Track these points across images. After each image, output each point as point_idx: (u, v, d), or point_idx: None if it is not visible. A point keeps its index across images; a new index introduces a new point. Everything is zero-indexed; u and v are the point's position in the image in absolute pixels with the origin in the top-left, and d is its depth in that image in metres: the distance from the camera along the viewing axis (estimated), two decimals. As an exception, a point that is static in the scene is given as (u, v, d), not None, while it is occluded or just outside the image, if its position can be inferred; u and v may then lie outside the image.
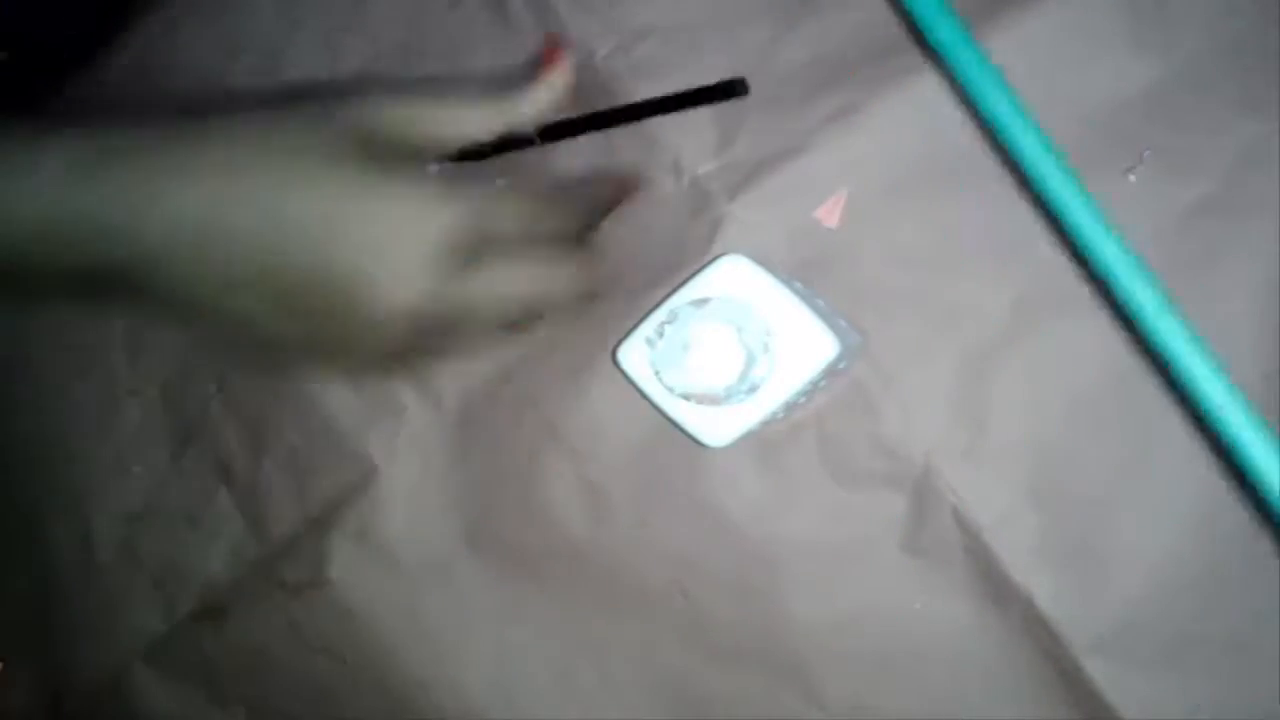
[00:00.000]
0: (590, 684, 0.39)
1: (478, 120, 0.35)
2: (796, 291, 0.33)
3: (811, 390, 0.34)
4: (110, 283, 0.30)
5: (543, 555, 0.39)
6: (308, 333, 0.32)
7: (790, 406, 0.34)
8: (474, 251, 0.31)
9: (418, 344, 0.33)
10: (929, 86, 0.34)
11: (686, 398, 0.33)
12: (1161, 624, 0.33)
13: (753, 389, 0.32)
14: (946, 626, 0.35)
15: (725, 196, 0.36)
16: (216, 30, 0.44)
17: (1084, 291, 0.33)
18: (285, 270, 0.30)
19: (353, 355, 0.33)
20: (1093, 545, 0.33)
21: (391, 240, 0.30)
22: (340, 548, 0.41)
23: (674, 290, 0.34)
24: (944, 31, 0.27)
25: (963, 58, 0.27)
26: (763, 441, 0.36)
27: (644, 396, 0.34)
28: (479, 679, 0.40)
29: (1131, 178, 0.33)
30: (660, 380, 0.33)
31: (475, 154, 0.36)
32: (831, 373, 0.34)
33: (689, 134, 0.37)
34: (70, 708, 0.46)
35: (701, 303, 0.33)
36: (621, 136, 0.38)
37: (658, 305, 0.34)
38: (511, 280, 0.33)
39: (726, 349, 0.33)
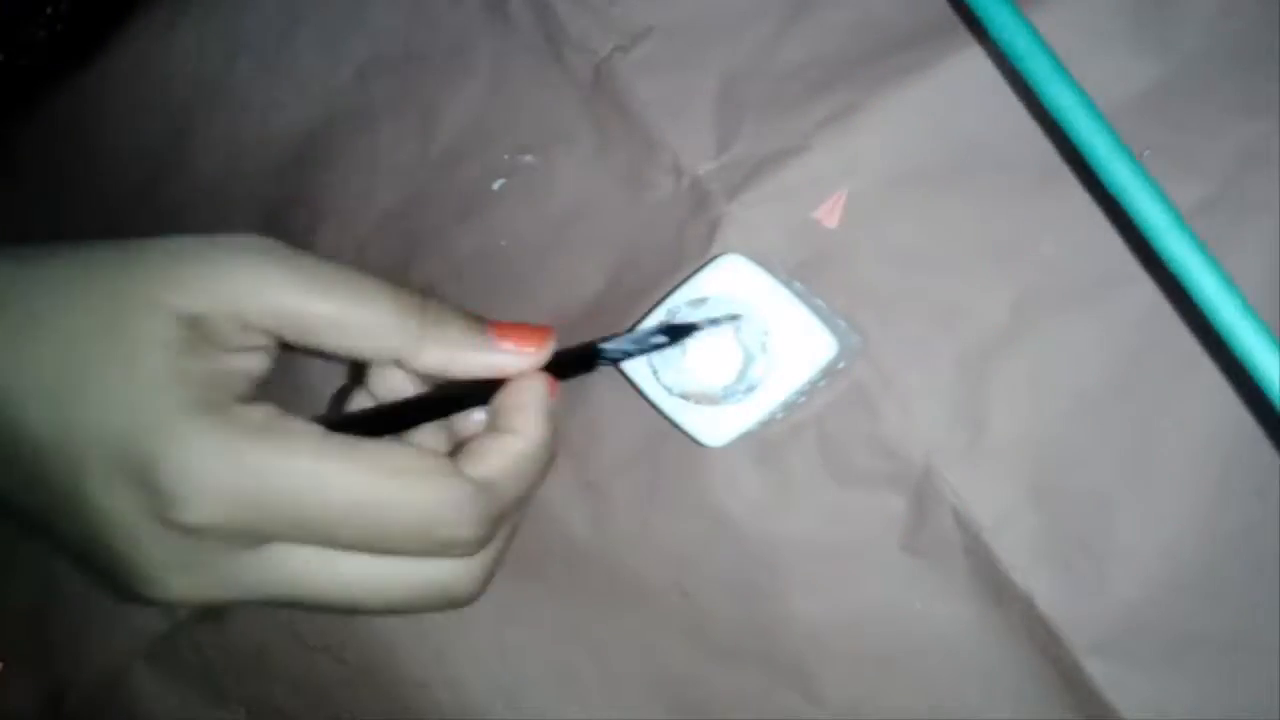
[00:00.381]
0: (590, 684, 0.39)
1: (400, 339, 0.26)
2: (795, 291, 0.33)
3: (811, 390, 0.34)
4: None
5: (542, 555, 0.39)
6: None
7: (789, 406, 0.34)
8: (267, 536, 0.24)
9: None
10: (929, 86, 0.34)
11: (685, 398, 0.33)
12: (1161, 624, 0.33)
13: (751, 389, 0.32)
14: (946, 626, 0.35)
15: (724, 196, 0.36)
16: (216, 30, 0.44)
17: (1084, 291, 0.33)
18: (35, 510, 0.25)
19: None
20: (1093, 545, 0.33)
21: (151, 519, 0.23)
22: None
23: (672, 290, 0.34)
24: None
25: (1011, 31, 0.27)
26: (762, 441, 0.36)
27: (642, 396, 0.34)
28: (479, 679, 0.40)
29: (1131, 177, 0.33)
30: (659, 380, 0.33)
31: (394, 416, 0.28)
32: (831, 373, 0.34)
33: (688, 134, 0.37)
34: (70, 708, 0.46)
35: (700, 302, 0.33)
36: (620, 137, 0.38)
37: (657, 304, 0.34)
38: (326, 582, 0.25)
39: (725, 349, 0.33)
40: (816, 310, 0.33)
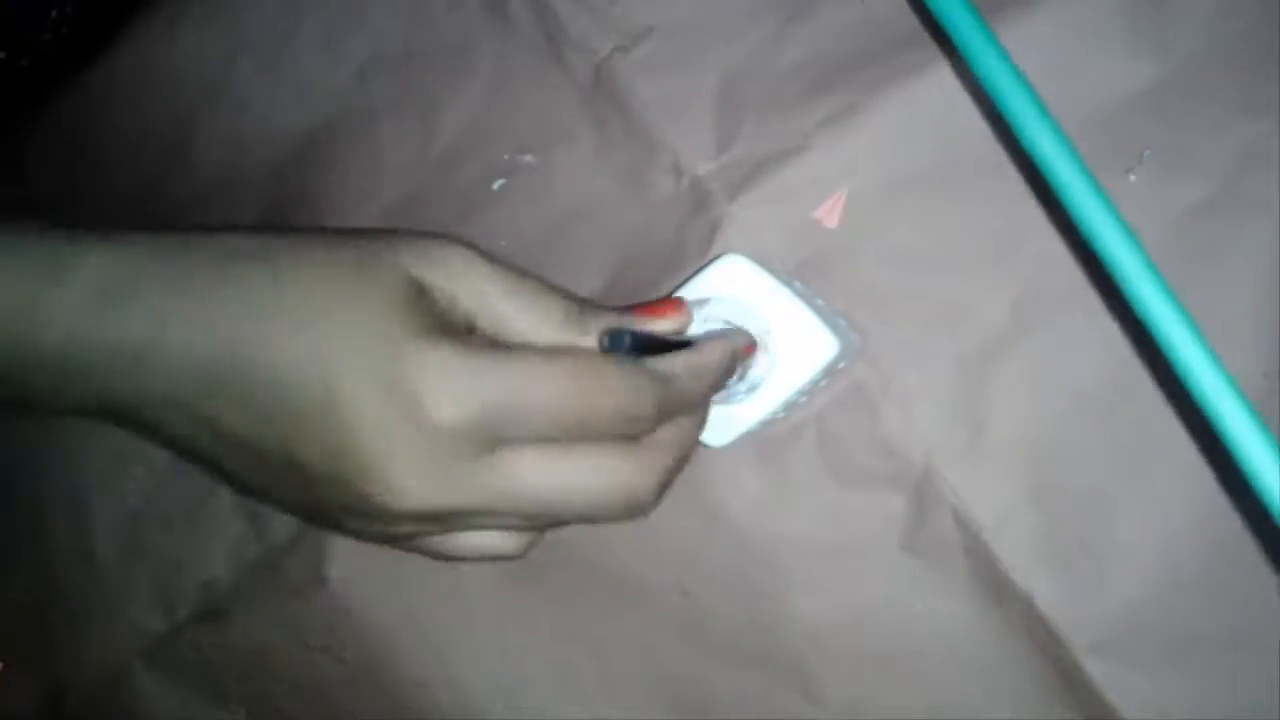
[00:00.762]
0: (590, 684, 0.39)
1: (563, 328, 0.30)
2: (796, 291, 0.33)
3: (811, 390, 0.34)
4: (116, 418, 0.29)
5: (542, 555, 0.39)
6: (307, 502, 0.29)
7: (790, 406, 0.34)
8: (500, 439, 0.28)
9: (419, 537, 0.30)
10: (929, 86, 0.34)
11: (686, 397, 0.33)
12: (1161, 624, 0.33)
13: (752, 388, 0.32)
14: (946, 626, 0.35)
15: (725, 197, 0.36)
16: (217, 31, 0.44)
17: (1084, 291, 0.33)
18: (273, 441, 0.27)
19: (357, 529, 0.30)
20: (1093, 545, 0.33)
21: (404, 422, 0.27)
22: (340, 548, 0.41)
23: (673, 290, 0.34)
24: (960, 21, 0.27)
25: (977, 48, 0.27)
26: (762, 441, 0.36)
27: (644, 396, 0.34)
28: (479, 679, 0.40)
29: (1131, 178, 0.33)
30: (660, 379, 0.33)
31: None
32: (831, 372, 0.34)
33: (688, 134, 0.37)
34: (70, 708, 0.46)
35: (701, 303, 0.33)
36: (620, 137, 0.38)
37: (657, 304, 0.34)
38: (544, 478, 0.29)
39: (726, 348, 0.33)
40: (817, 310, 0.33)
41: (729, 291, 0.33)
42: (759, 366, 0.32)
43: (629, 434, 0.30)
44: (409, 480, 0.27)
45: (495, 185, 0.40)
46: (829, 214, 0.36)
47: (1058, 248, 0.34)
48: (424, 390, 0.26)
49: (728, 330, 0.32)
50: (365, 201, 0.42)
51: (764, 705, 0.37)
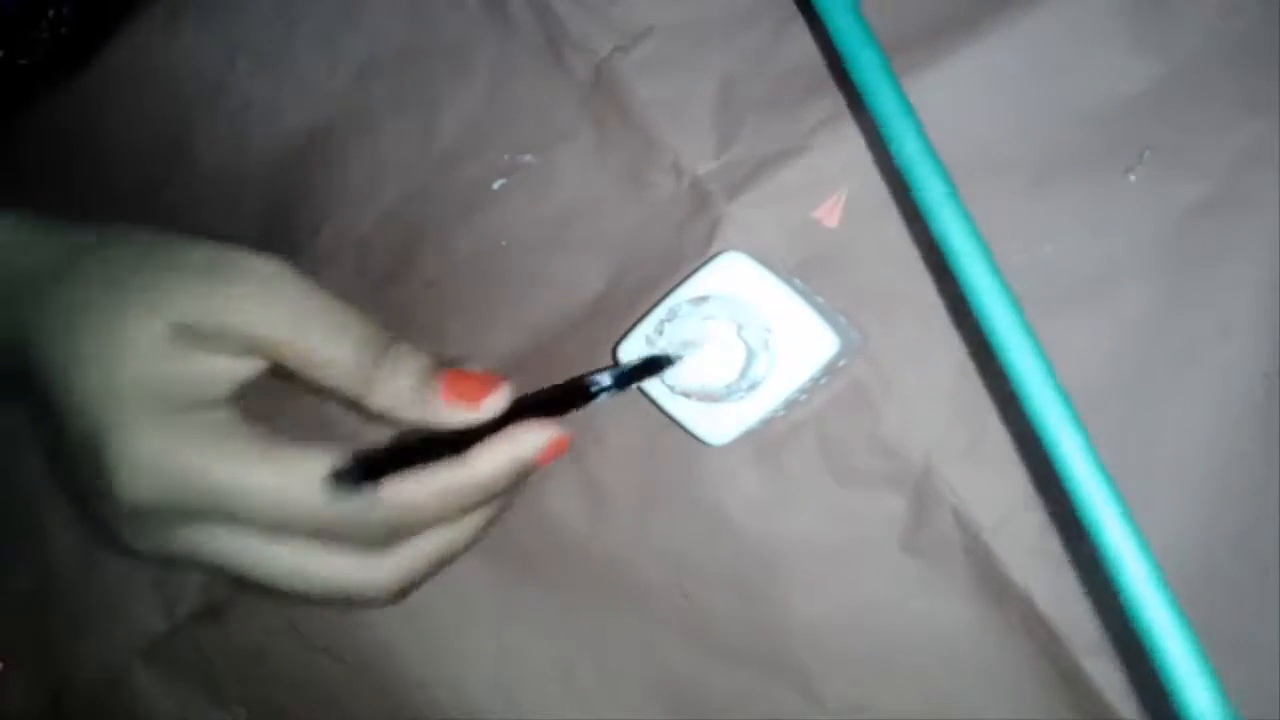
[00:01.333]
0: (590, 684, 0.39)
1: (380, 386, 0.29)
2: (796, 289, 0.33)
3: (812, 388, 0.34)
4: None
5: (543, 555, 0.39)
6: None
7: (790, 404, 0.34)
8: (191, 517, 0.27)
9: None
10: (929, 86, 0.34)
11: (687, 395, 0.33)
12: (1162, 624, 0.33)
13: (753, 386, 0.32)
14: (946, 626, 0.35)
15: (725, 196, 0.36)
16: (215, 31, 0.44)
17: (1084, 291, 0.33)
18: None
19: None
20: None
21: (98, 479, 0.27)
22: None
23: (674, 288, 0.34)
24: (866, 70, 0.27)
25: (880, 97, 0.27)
26: (763, 441, 0.36)
27: (644, 395, 0.34)
28: (479, 679, 0.40)
29: (1131, 178, 0.33)
30: (661, 379, 0.33)
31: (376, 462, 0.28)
32: (831, 370, 0.34)
33: (688, 134, 0.37)
34: (70, 708, 0.46)
35: (701, 300, 0.33)
36: (620, 137, 0.38)
37: (657, 303, 0.34)
38: (237, 559, 0.28)
39: (726, 346, 0.33)
40: (817, 307, 0.33)
41: (729, 289, 0.33)
42: (759, 364, 0.32)
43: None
44: (122, 531, 0.28)
45: (495, 185, 0.40)
46: (829, 214, 0.36)
47: (1058, 247, 0.34)
48: (113, 467, 0.27)
49: (521, 434, 0.29)
50: (366, 201, 0.42)
51: (764, 705, 0.37)
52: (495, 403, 0.30)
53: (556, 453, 0.30)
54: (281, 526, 0.27)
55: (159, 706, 0.44)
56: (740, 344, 0.33)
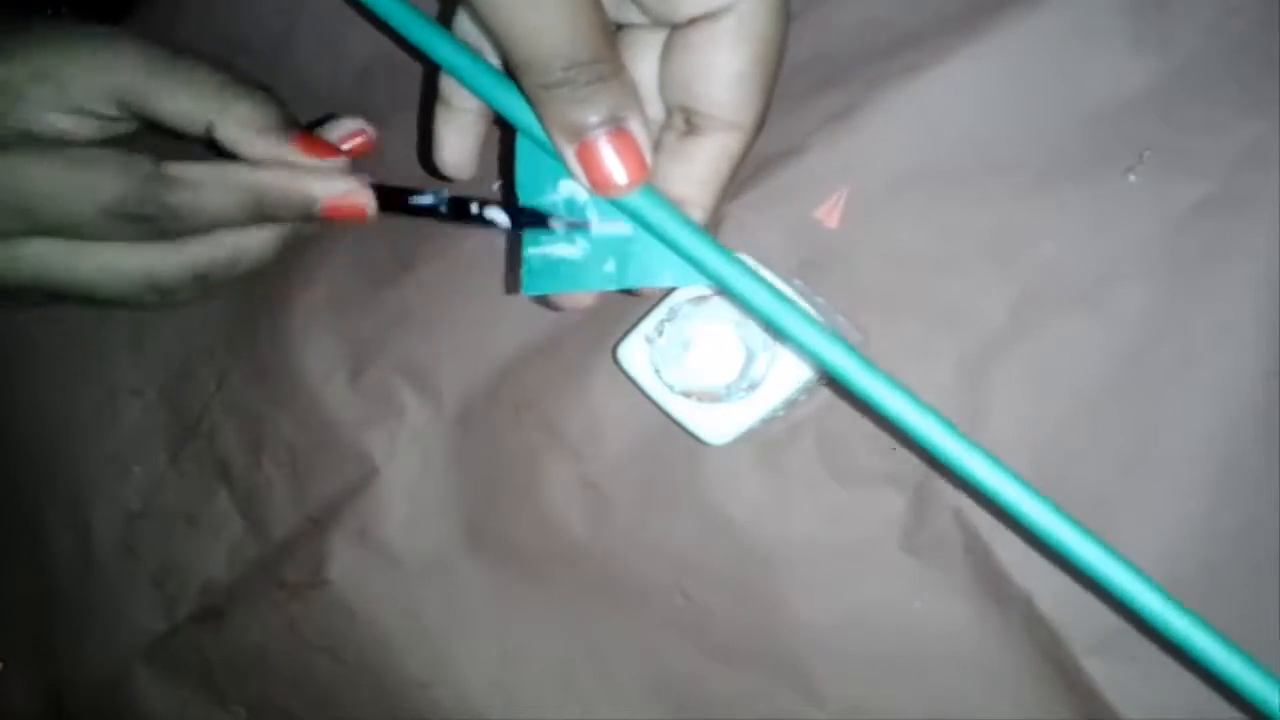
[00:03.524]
0: (590, 684, 0.39)
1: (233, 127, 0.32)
2: (796, 289, 0.33)
3: (812, 388, 0.34)
4: None
5: (542, 555, 0.39)
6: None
7: (790, 404, 0.34)
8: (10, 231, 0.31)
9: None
10: (929, 86, 0.34)
11: (687, 395, 0.33)
12: (1162, 624, 0.33)
13: (753, 386, 0.32)
14: (946, 626, 0.35)
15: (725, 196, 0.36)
16: (214, 32, 0.44)
17: (1084, 291, 0.33)
18: None
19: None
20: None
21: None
22: (340, 548, 0.41)
23: (673, 289, 0.34)
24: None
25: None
26: (762, 441, 0.36)
27: (644, 394, 0.34)
28: (479, 679, 0.40)
29: (1131, 178, 0.33)
30: (660, 378, 0.33)
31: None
32: (831, 371, 0.34)
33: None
34: (70, 708, 0.46)
35: (701, 300, 0.33)
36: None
37: (657, 303, 0.34)
38: (56, 264, 0.32)
39: (726, 346, 0.33)
40: (818, 307, 0.33)
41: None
42: (759, 364, 0.32)
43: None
44: None
45: (495, 185, 0.40)
46: (829, 214, 0.36)
47: (1058, 247, 0.34)
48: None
49: (323, 170, 0.32)
50: (365, 201, 0.42)
51: (764, 705, 0.37)
52: (337, 161, 0.32)
53: (350, 213, 0.32)
54: (85, 222, 0.31)
55: (159, 706, 0.44)
56: (740, 344, 0.33)
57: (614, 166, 0.28)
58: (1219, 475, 0.32)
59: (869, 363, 0.28)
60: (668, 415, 0.34)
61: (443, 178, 0.34)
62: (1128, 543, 0.33)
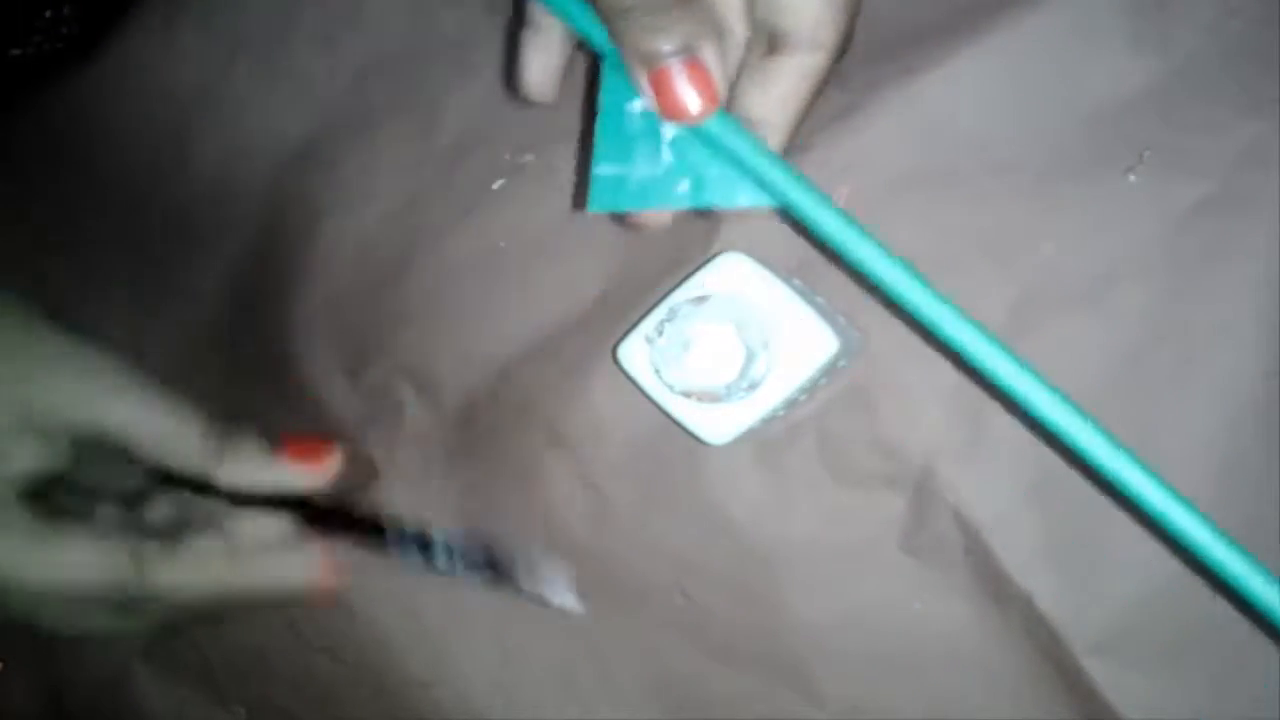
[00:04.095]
0: (590, 684, 0.39)
1: (192, 456, 0.35)
2: (796, 289, 0.33)
3: (812, 388, 0.34)
4: None
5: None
6: None
7: (790, 404, 0.34)
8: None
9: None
10: (929, 86, 0.34)
11: (687, 395, 0.33)
12: (1161, 624, 0.33)
13: (753, 386, 0.32)
14: (946, 626, 0.35)
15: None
16: (214, 32, 0.44)
17: (1084, 291, 0.33)
18: None
19: None
20: (1093, 545, 0.33)
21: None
22: (340, 547, 0.41)
23: (673, 288, 0.34)
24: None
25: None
26: (762, 442, 0.36)
27: (644, 395, 0.34)
28: (479, 679, 0.40)
29: (1131, 178, 0.33)
30: (660, 378, 0.33)
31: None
32: (832, 370, 0.34)
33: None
34: (70, 707, 0.46)
35: (701, 300, 0.33)
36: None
37: (657, 303, 0.34)
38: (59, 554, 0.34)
39: (726, 346, 0.33)
40: (817, 307, 0.33)
41: (729, 289, 0.33)
42: (759, 364, 0.32)
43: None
44: None
45: (495, 185, 0.40)
46: (829, 214, 0.36)
47: (1058, 247, 0.34)
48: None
49: (296, 561, 0.36)
50: (365, 201, 0.42)
51: (764, 705, 0.37)
52: (334, 462, 0.36)
53: (322, 599, 0.37)
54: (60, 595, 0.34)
55: (158, 706, 0.44)
56: (740, 344, 0.33)
57: (687, 95, 0.28)
58: (1219, 475, 0.32)
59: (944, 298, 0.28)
60: (668, 415, 0.34)
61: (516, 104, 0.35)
62: (1128, 542, 0.33)
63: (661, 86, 0.28)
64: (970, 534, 0.34)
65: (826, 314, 0.33)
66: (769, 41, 0.29)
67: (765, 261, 0.33)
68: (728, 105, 0.29)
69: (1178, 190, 0.33)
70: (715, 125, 0.29)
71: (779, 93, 0.29)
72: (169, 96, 0.45)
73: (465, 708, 0.40)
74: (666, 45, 0.28)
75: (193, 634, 0.44)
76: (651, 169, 0.30)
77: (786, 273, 0.34)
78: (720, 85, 0.29)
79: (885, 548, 0.35)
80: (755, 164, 0.29)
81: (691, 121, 0.29)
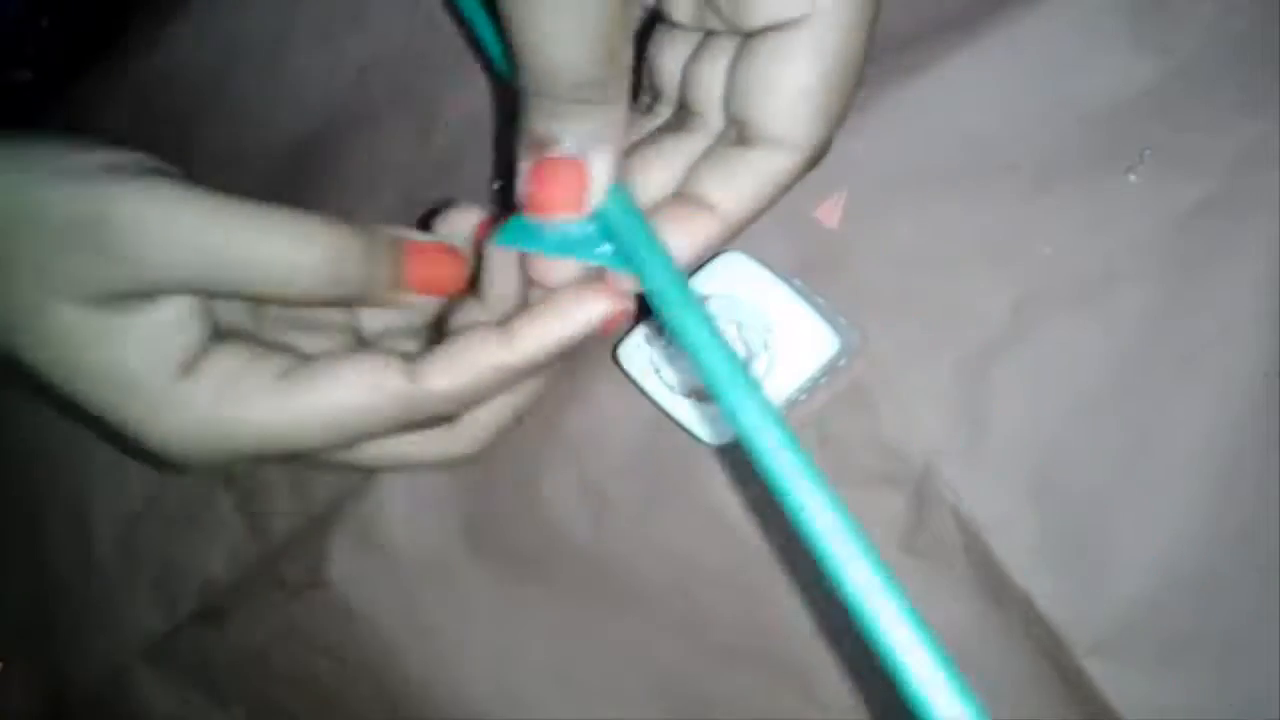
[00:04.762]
0: (590, 684, 0.39)
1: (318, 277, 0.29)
2: (796, 289, 0.33)
3: (812, 388, 0.34)
4: None
5: (543, 555, 0.39)
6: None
7: (790, 404, 0.34)
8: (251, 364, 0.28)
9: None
10: (929, 86, 0.34)
11: (686, 395, 0.33)
12: (1161, 624, 0.33)
13: (753, 387, 0.32)
14: (946, 627, 0.35)
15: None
16: (214, 33, 0.44)
17: (1084, 291, 0.33)
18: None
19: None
20: (1093, 545, 0.33)
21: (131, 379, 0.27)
22: (340, 548, 0.41)
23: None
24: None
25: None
26: (763, 441, 0.36)
27: (644, 394, 0.34)
28: (479, 679, 0.40)
29: (1131, 178, 0.33)
30: (660, 378, 0.33)
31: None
32: (832, 370, 0.34)
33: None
34: (70, 708, 0.46)
35: (701, 300, 0.33)
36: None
37: (657, 304, 0.34)
38: (327, 394, 0.28)
39: (726, 346, 0.33)
40: (817, 307, 0.33)
41: (729, 289, 0.33)
42: (759, 364, 0.32)
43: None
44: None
45: (495, 185, 0.40)
46: (829, 214, 0.36)
47: (1058, 247, 0.34)
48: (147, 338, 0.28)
49: (571, 309, 0.28)
50: (365, 202, 0.42)
51: (764, 705, 0.37)
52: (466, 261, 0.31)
53: (616, 324, 0.29)
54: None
55: (159, 706, 0.44)
56: (740, 344, 0.33)
57: (556, 195, 0.27)
58: (1219, 475, 0.32)
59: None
60: (668, 415, 0.34)
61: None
62: (1128, 542, 0.33)
63: (539, 177, 0.27)
64: (970, 534, 0.34)
65: (826, 314, 0.33)
66: (739, 132, 0.28)
67: (765, 262, 0.33)
68: (684, 184, 0.28)
69: (1178, 190, 0.33)
70: (615, 207, 0.27)
71: (739, 184, 0.28)
72: (169, 98, 0.45)
73: (465, 708, 0.40)
74: (565, 140, 0.26)
75: (193, 634, 0.44)
76: (580, 225, 0.28)
77: (787, 273, 0.34)
78: (593, 197, 0.27)
79: (885, 548, 0.35)
80: (636, 250, 0.27)
81: (549, 221, 0.27)
